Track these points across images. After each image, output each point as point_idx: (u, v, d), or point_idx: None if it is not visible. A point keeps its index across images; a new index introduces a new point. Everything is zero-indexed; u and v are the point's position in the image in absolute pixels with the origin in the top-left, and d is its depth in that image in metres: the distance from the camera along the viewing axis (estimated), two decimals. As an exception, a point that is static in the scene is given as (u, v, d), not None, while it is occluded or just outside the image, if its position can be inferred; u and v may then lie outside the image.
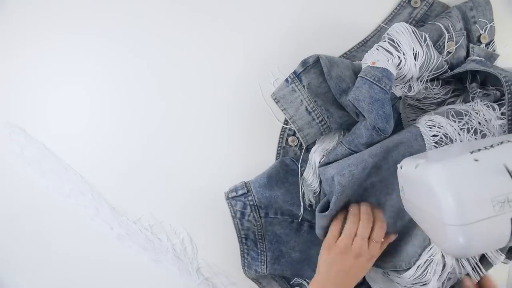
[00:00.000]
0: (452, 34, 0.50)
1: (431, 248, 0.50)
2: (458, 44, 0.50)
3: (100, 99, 0.57)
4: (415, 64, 0.47)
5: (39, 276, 0.59)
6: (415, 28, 0.48)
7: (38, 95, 0.57)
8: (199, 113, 0.56)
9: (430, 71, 0.49)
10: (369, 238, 0.46)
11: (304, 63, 0.50)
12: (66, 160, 0.56)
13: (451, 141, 0.45)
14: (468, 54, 0.52)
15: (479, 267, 0.50)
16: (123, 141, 0.57)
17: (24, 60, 0.56)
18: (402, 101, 0.53)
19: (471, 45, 0.52)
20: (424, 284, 0.50)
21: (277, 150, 0.56)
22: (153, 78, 0.56)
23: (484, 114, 0.46)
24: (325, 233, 0.49)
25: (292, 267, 0.55)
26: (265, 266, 0.55)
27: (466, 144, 0.40)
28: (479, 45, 0.53)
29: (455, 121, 0.46)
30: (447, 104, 0.52)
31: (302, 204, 0.54)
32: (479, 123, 0.46)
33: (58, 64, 0.56)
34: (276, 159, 0.56)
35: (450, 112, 0.47)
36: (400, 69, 0.48)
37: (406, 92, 0.51)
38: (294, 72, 0.51)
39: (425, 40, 0.48)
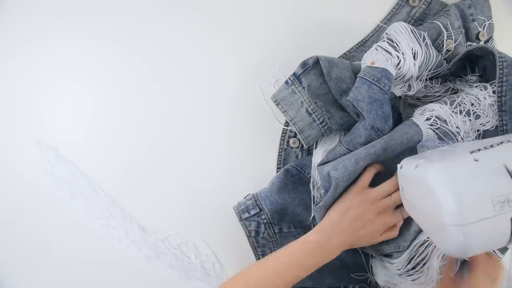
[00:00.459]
0: (451, 32, 0.50)
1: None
2: (457, 42, 0.50)
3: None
4: (414, 64, 0.47)
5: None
6: (413, 27, 0.48)
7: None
8: (200, 117, 0.57)
9: (430, 70, 0.49)
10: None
11: (303, 64, 0.50)
12: (96, 179, 0.57)
13: (446, 122, 0.45)
14: (467, 52, 0.52)
15: None
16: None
17: (29, 61, 0.57)
18: (402, 100, 0.54)
19: (469, 43, 0.52)
20: (422, 266, 0.49)
21: (279, 152, 0.56)
22: (154, 80, 0.57)
23: (476, 94, 0.46)
24: None
25: (312, 276, 0.54)
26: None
27: (466, 144, 0.40)
28: (478, 43, 0.53)
29: (446, 104, 0.46)
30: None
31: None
32: (472, 104, 0.46)
33: (64, 68, 0.57)
34: (278, 161, 0.56)
35: (442, 98, 0.48)
36: (400, 68, 0.48)
37: (405, 92, 0.51)
38: (294, 74, 0.51)
39: (424, 39, 0.48)
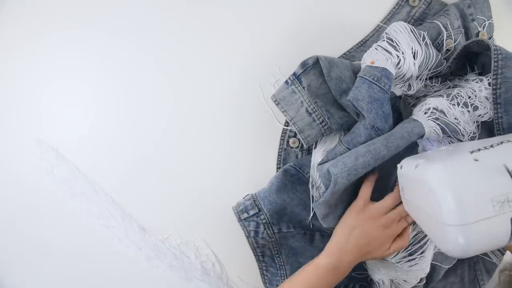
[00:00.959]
0: (451, 32, 0.50)
1: None
2: (457, 42, 0.50)
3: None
4: (414, 63, 0.47)
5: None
6: (413, 27, 0.48)
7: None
8: (200, 116, 0.57)
9: (430, 69, 0.49)
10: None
11: (303, 64, 0.50)
12: (96, 179, 0.57)
13: (444, 113, 0.45)
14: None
15: None
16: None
17: (28, 60, 0.57)
18: (402, 100, 0.54)
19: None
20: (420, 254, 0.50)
21: (278, 152, 0.56)
22: (154, 80, 0.57)
23: (472, 87, 0.47)
24: (329, 220, 0.48)
25: None
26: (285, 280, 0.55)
27: (466, 144, 0.40)
28: (478, 42, 0.53)
29: (443, 97, 0.46)
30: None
31: (311, 208, 0.54)
32: (469, 96, 0.46)
33: (63, 67, 0.57)
34: (278, 160, 0.56)
35: (439, 93, 0.48)
36: (399, 68, 0.48)
37: (406, 91, 0.51)
38: (294, 74, 0.51)
39: (423, 39, 0.48)
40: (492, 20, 0.52)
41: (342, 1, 0.55)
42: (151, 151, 0.57)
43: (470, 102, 0.46)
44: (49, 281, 0.59)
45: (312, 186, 0.53)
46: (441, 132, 0.46)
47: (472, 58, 0.50)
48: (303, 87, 0.51)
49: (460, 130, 0.46)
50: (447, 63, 0.50)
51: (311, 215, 0.53)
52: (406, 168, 0.40)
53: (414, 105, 0.51)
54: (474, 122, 0.47)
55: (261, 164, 0.56)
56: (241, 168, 0.57)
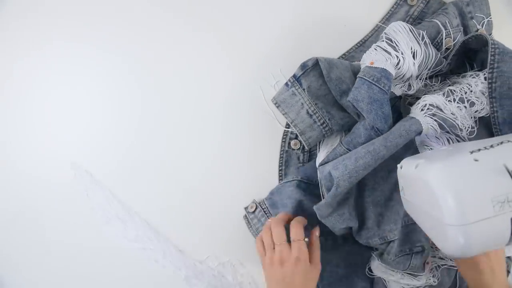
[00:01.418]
0: (450, 31, 0.50)
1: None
2: (456, 40, 0.50)
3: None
4: (414, 63, 0.47)
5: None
6: (412, 27, 0.48)
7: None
8: (201, 119, 0.57)
9: (429, 69, 0.49)
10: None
11: (303, 66, 0.51)
12: (127, 201, 0.58)
13: (440, 109, 0.46)
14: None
15: None
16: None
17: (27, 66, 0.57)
18: (402, 100, 0.54)
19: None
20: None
21: (280, 154, 0.56)
22: (155, 81, 0.57)
23: (468, 83, 0.47)
24: (333, 219, 0.49)
25: (342, 284, 0.54)
26: None
27: (466, 144, 0.40)
28: (478, 41, 0.53)
29: (439, 94, 0.47)
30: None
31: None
32: (465, 92, 0.46)
33: (61, 67, 0.57)
34: (280, 162, 0.56)
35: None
36: (399, 68, 0.48)
37: (405, 91, 0.51)
38: (294, 76, 0.51)
39: (422, 38, 0.48)
40: (491, 18, 0.52)
41: (341, 2, 0.55)
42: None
43: (466, 98, 0.46)
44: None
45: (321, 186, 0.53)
46: (438, 128, 0.46)
47: (471, 56, 0.50)
48: (303, 89, 0.51)
49: (458, 125, 0.46)
50: (446, 61, 0.50)
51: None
52: (406, 168, 0.40)
53: (411, 103, 0.51)
54: (471, 118, 0.47)
55: (263, 167, 0.57)
56: (242, 172, 0.57)
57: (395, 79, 0.49)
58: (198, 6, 0.56)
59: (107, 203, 0.57)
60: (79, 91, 0.57)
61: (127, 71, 0.57)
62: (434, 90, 0.52)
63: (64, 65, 0.57)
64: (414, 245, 0.49)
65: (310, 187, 0.53)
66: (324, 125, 0.51)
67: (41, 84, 0.57)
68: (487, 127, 0.48)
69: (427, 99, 0.47)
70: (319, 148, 0.55)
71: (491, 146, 0.35)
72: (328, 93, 0.51)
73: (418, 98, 0.53)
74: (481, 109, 0.46)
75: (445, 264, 0.52)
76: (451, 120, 0.46)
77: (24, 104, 0.58)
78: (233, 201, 0.57)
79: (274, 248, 0.46)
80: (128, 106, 0.57)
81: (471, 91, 0.46)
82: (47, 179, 0.58)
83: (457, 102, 0.46)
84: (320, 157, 0.53)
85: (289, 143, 0.56)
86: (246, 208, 0.56)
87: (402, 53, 0.47)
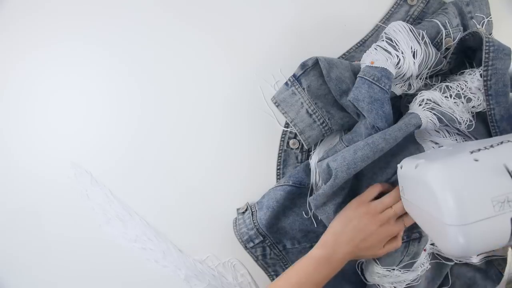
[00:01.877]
0: (450, 31, 0.50)
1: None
2: (456, 40, 0.50)
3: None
4: (414, 62, 0.47)
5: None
6: (412, 26, 0.48)
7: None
8: (199, 118, 0.57)
9: (429, 68, 0.50)
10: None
11: (303, 65, 0.51)
12: (127, 200, 0.58)
13: (437, 104, 0.46)
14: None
15: None
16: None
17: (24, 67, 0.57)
18: (402, 100, 0.54)
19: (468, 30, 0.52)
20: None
21: (278, 153, 0.56)
22: (154, 81, 0.57)
23: (465, 80, 0.47)
24: (327, 208, 0.48)
25: (330, 285, 0.55)
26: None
27: (466, 144, 0.40)
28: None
29: (435, 90, 0.47)
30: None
31: (311, 213, 0.54)
32: (462, 88, 0.46)
33: (60, 69, 0.57)
34: (278, 162, 0.56)
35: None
36: (399, 68, 0.48)
37: (406, 91, 0.51)
38: (294, 75, 0.51)
39: (422, 38, 0.48)
40: (490, 18, 0.52)
41: (341, 2, 0.55)
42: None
43: (462, 93, 0.46)
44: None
45: (312, 189, 0.54)
46: (437, 121, 0.46)
47: (470, 55, 0.50)
48: (303, 88, 0.51)
49: (456, 118, 0.46)
50: (446, 60, 0.50)
51: (315, 223, 0.54)
52: (406, 168, 0.40)
53: (409, 102, 0.52)
54: (469, 112, 0.47)
55: (261, 165, 0.57)
56: (241, 171, 0.57)
57: (396, 78, 0.49)
58: (198, 7, 0.56)
59: (107, 203, 0.57)
60: (79, 91, 0.57)
61: (127, 72, 0.57)
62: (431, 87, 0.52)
63: (65, 66, 0.57)
64: (412, 231, 0.50)
65: (302, 190, 0.54)
66: (324, 124, 0.51)
67: (41, 84, 0.57)
68: (484, 123, 0.48)
69: (424, 94, 0.47)
70: (314, 149, 0.55)
71: (491, 146, 0.35)
72: (328, 92, 0.51)
73: (417, 96, 0.53)
74: (478, 105, 0.46)
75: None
76: (449, 114, 0.46)
77: (25, 104, 0.57)
78: (232, 200, 0.57)
79: (388, 209, 0.46)
80: (128, 106, 0.57)
81: (468, 87, 0.46)
82: (47, 179, 0.58)
83: (454, 98, 0.46)
84: (315, 155, 0.53)
85: (287, 143, 0.56)
86: (238, 210, 0.57)
87: (402, 53, 0.47)
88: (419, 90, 0.52)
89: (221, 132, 0.57)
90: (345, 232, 0.45)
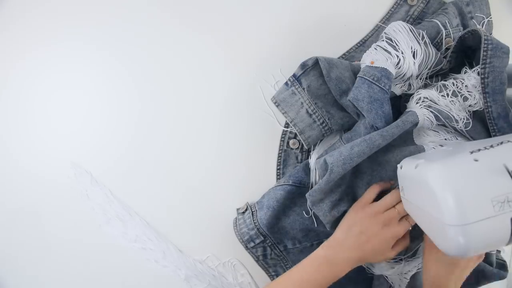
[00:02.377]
0: (449, 31, 0.50)
1: None
2: (456, 40, 0.50)
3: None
4: (414, 62, 0.48)
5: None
6: (412, 26, 0.48)
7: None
8: (200, 118, 0.57)
9: (429, 68, 0.50)
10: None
11: (303, 65, 0.51)
12: (126, 200, 0.58)
13: (433, 102, 0.46)
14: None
15: None
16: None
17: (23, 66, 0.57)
18: (402, 100, 0.54)
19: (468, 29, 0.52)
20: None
21: (278, 153, 0.56)
22: (154, 81, 0.57)
23: (462, 78, 0.47)
24: (324, 205, 0.48)
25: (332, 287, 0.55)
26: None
27: (466, 144, 0.41)
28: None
29: (431, 89, 0.47)
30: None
31: (311, 213, 0.54)
32: (457, 86, 0.47)
33: (60, 69, 0.57)
34: (278, 162, 0.56)
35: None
36: (399, 68, 0.48)
37: (406, 91, 0.51)
38: (294, 75, 0.51)
39: (422, 38, 0.48)
40: (491, 18, 0.52)
41: (341, 2, 0.55)
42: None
43: (458, 91, 0.46)
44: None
45: (311, 186, 0.54)
46: (434, 119, 0.46)
47: (470, 55, 0.50)
48: (303, 88, 0.51)
49: (453, 116, 0.46)
50: (446, 59, 0.50)
51: (316, 224, 0.54)
52: (406, 168, 0.40)
53: (407, 101, 0.52)
54: (466, 112, 0.47)
55: (261, 165, 0.57)
56: (241, 171, 0.57)
57: (395, 78, 0.49)
58: (198, 7, 0.56)
59: (107, 203, 0.57)
60: (79, 91, 0.57)
61: (127, 72, 0.57)
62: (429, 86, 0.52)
63: (65, 66, 0.57)
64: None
65: (302, 190, 0.53)
66: (324, 124, 0.51)
67: (41, 83, 0.57)
68: (482, 122, 0.48)
69: (421, 93, 0.48)
70: (314, 149, 0.55)
71: (491, 146, 0.35)
72: (328, 92, 0.51)
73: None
74: (474, 104, 0.47)
75: None
76: (446, 112, 0.46)
77: (25, 104, 0.57)
78: (232, 200, 0.57)
79: (391, 209, 0.45)
80: (127, 106, 0.57)
81: (464, 85, 0.47)
82: (47, 179, 0.58)
83: (450, 97, 0.46)
84: (315, 155, 0.53)
85: (287, 143, 0.56)
86: (238, 209, 0.57)
87: (402, 53, 0.47)
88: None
89: (221, 132, 0.57)
90: (349, 237, 0.45)
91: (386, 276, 0.51)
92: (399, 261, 0.50)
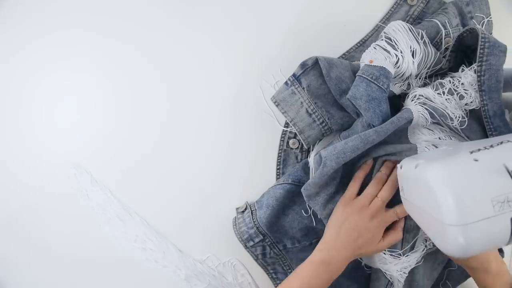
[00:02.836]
0: (449, 30, 0.50)
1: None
2: (454, 39, 0.50)
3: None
4: (413, 62, 0.48)
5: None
6: (411, 26, 0.48)
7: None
8: (199, 116, 0.57)
9: (429, 68, 0.50)
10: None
11: (303, 65, 0.50)
12: (127, 201, 0.58)
13: (429, 99, 0.47)
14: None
15: None
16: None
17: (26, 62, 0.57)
18: (401, 99, 0.54)
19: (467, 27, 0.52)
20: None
21: (278, 153, 0.56)
22: (155, 80, 0.57)
23: (459, 76, 0.47)
24: (320, 199, 0.48)
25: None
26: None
27: (466, 144, 0.40)
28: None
29: (427, 87, 0.48)
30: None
31: (310, 212, 0.54)
32: (454, 83, 0.47)
33: (61, 65, 0.57)
34: (278, 161, 0.56)
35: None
36: (398, 67, 0.48)
37: (405, 90, 0.51)
38: (294, 75, 0.51)
39: (422, 37, 0.48)
40: (490, 18, 0.52)
41: (341, 2, 0.55)
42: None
43: (454, 89, 0.47)
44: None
45: None
46: (429, 116, 0.47)
47: (469, 55, 0.50)
48: (303, 88, 0.51)
49: (448, 114, 0.46)
50: (445, 59, 0.50)
51: (314, 223, 0.54)
52: (406, 168, 0.40)
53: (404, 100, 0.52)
54: (462, 110, 0.47)
55: (261, 165, 0.57)
56: (241, 171, 0.57)
57: (395, 77, 0.49)
58: (198, 6, 0.56)
59: (107, 203, 0.57)
60: (79, 91, 0.57)
61: (126, 72, 0.57)
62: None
63: (65, 65, 0.57)
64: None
65: (298, 189, 0.53)
66: (324, 124, 0.51)
67: (40, 83, 0.57)
68: (478, 120, 0.48)
69: (417, 90, 0.48)
70: (313, 149, 0.55)
71: (491, 146, 0.35)
72: (327, 92, 0.51)
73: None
74: (470, 102, 0.47)
75: None
76: (441, 110, 0.46)
77: (25, 103, 0.57)
78: (232, 200, 0.57)
79: (375, 199, 0.46)
80: (127, 107, 0.57)
81: (461, 83, 0.47)
82: (47, 179, 0.57)
83: (446, 95, 0.47)
84: (314, 154, 0.53)
85: (287, 142, 0.56)
86: (237, 209, 0.57)
87: (401, 52, 0.47)
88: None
89: (221, 132, 0.57)
90: (340, 236, 0.45)
91: (385, 272, 0.51)
92: (398, 257, 0.50)
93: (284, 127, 0.56)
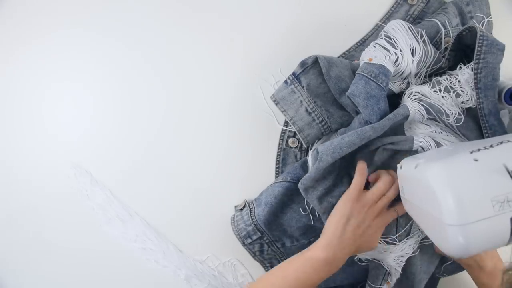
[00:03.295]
0: (449, 30, 0.50)
1: None
2: (454, 38, 0.50)
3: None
4: (413, 60, 0.48)
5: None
6: (411, 25, 0.48)
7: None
8: (199, 116, 0.57)
9: (428, 67, 0.50)
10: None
11: (302, 64, 0.51)
12: (127, 201, 0.57)
13: (425, 96, 0.47)
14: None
15: None
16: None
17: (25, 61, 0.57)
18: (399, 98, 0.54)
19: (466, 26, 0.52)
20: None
21: (278, 152, 0.56)
22: (154, 80, 0.57)
23: (456, 74, 0.47)
24: (317, 192, 0.48)
25: (325, 281, 0.55)
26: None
27: (466, 144, 0.41)
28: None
29: (425, 84, 0.48)
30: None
31: (309, 210, 0.54)
32: (450, 81, 0.47)
33: (61, 65, 0.57)
34: (277, 160, 0.56)
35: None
36: (398, 65, 0.48)
37: (404, 89, 0.51)
38: (293, 73, 0.51)
39: (421, 36, 0.48)
40: (491, 18, 0.52)
41: (341, 1, 0.55)
42: (149, 152, 0.57)
43: (450, 86, 0.47)
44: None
45: None
46: (425, 112, 0.47)
47: (469, 54, 0.50)
48: (303, 87, 0.51)
49: (444, 110, 0.47)
50: (445, 58, 0.50)
51: (312, 220, 0.54)
52: (406, 168, 0.40)
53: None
54: (458, 108, 0.48)
55: (261, 164, 0.56)
56: (241, 170, 0.57)
57: (394, 76, 0.49)
58: (198, 6, 0.56)
59: (107, 203, 0.57)
60: (79, 91, 0.57)
61: (126, 72, 0.56)
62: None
63: (65, 62, 0.57)
64: None
65: (297, 187, 0.53)
66: (323, 123, 0.51)
67: (40, 83, 0.57)
68: (475, 119, 0.48)
69: (414, 87, 0.48)
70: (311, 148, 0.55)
71: (491, 146, 0.35)
72: (327, 91, 0.51)
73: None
74: (467, 100, 0.47)
75: None
76: (437, 106, 0.47)
77: (25, 103, 0.57)
78: (232, 200, 0.57)
79: (382, 198, 0.45)
80: (127, 107, 0.57)
81: (458, 80, 0.47)
82: (47, 179, 0.57)
83: (443, 92, 0.47)
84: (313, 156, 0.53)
85: (287, 141, 0.56)
86: (236, 207, 0.56)
87: (400, 50, 0.48)
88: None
89: (220, 132, 0.57)
90: (346, 233, 0.44)
91: (381, 262, 0.51)
92: (393, 243, 0.49)
93: (284, 126, 0.56)
